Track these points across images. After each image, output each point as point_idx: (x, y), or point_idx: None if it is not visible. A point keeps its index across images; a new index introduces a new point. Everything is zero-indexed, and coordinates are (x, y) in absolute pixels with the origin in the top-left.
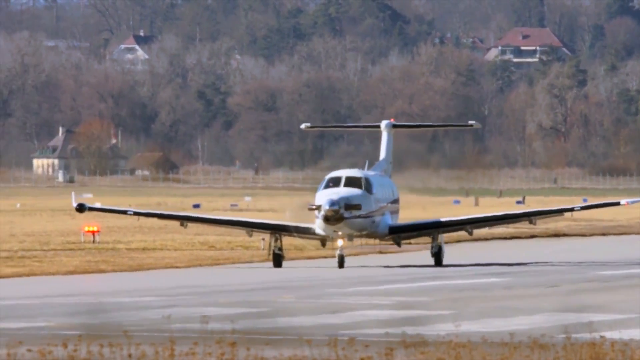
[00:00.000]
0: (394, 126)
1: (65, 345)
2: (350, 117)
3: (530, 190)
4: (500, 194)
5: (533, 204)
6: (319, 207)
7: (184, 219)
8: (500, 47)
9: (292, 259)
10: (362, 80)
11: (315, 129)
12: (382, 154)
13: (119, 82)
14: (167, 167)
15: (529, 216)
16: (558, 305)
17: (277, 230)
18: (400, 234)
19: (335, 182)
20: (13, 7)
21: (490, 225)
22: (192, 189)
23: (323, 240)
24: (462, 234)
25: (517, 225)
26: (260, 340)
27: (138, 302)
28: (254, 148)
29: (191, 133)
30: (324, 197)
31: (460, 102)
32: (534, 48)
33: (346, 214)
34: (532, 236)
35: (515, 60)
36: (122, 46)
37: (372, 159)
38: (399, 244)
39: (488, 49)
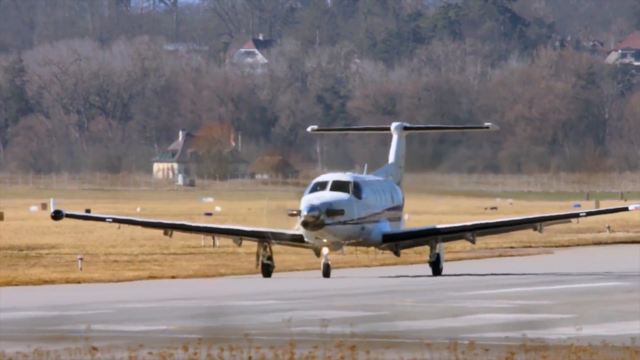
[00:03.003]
0: (405, 128)
1: (185, 349)
2: (470, 121)
3: None
4: (622, 196)
5: None
6: (299, 213)
7: (167, 227)
8: (620, 51)
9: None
10: (481, 83)
11: (322, 131)
12: (391, 158)
13: (239, 86)
14: (286, 171)
15: (534, 222)
16: None
17: (266, 238)
18: (397, 242)
19: (321, 187)
20: (133, 11)
21: (492, 233)
22: None
23: (317, 249)
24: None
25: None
26: (380, 344)
27: (258, 306)
28: (373, 152)
29: (310, 137)
30: (306, 202)
31: (581, 106)
32: None
33: (327, 220)
34: None
35: (636, 63)
36: (242, 50)
37: (492, 163)
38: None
39: (608, 52)
